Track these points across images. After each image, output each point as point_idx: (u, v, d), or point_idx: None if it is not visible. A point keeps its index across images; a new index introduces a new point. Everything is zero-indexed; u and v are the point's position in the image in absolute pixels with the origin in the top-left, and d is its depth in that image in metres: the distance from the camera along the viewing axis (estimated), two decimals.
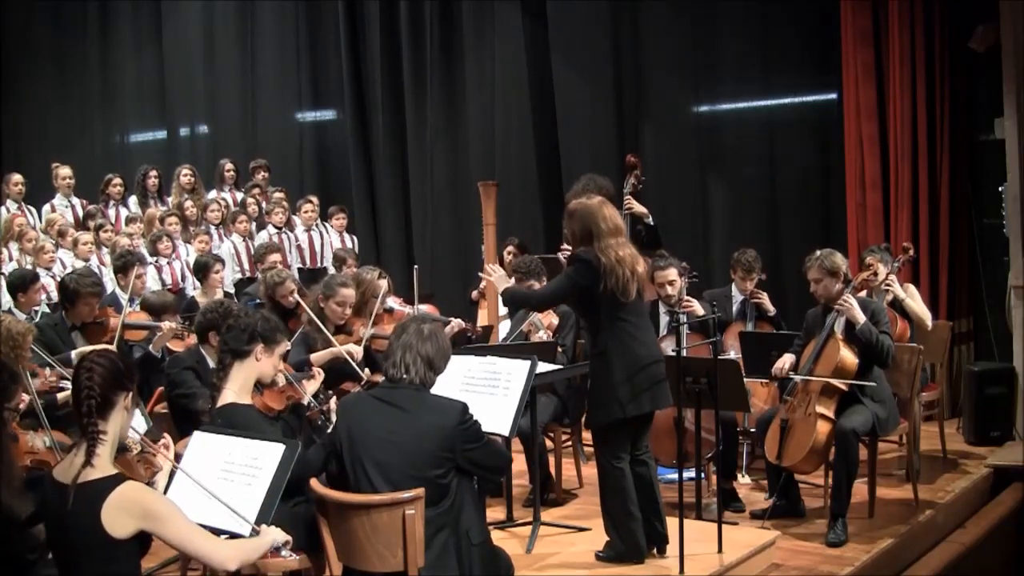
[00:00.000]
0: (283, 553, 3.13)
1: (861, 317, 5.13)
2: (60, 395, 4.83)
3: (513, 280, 5.68)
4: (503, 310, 7.71)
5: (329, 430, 3.98)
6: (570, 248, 5.10)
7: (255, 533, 3.20)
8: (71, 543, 2.91)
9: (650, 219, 6.43)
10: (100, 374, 2.96)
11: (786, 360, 5.38)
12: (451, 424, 3.51)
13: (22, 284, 6.31)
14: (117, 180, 9.47)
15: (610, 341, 4.43)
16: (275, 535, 3.13)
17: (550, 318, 6.03)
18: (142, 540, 2.92)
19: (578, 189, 6.07)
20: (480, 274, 5.29)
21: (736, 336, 6.05)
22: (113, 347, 5.59)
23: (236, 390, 3.90)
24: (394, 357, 3.64)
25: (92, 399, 2.94)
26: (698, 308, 6.01)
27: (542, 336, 5.92)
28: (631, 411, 4.41)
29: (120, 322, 5.89)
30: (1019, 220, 6.98)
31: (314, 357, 5.35)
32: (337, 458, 3.60)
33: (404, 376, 3.61)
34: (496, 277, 4.95)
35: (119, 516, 2.85)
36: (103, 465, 2.92)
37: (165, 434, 3.51)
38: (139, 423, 4.18)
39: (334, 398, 4.22)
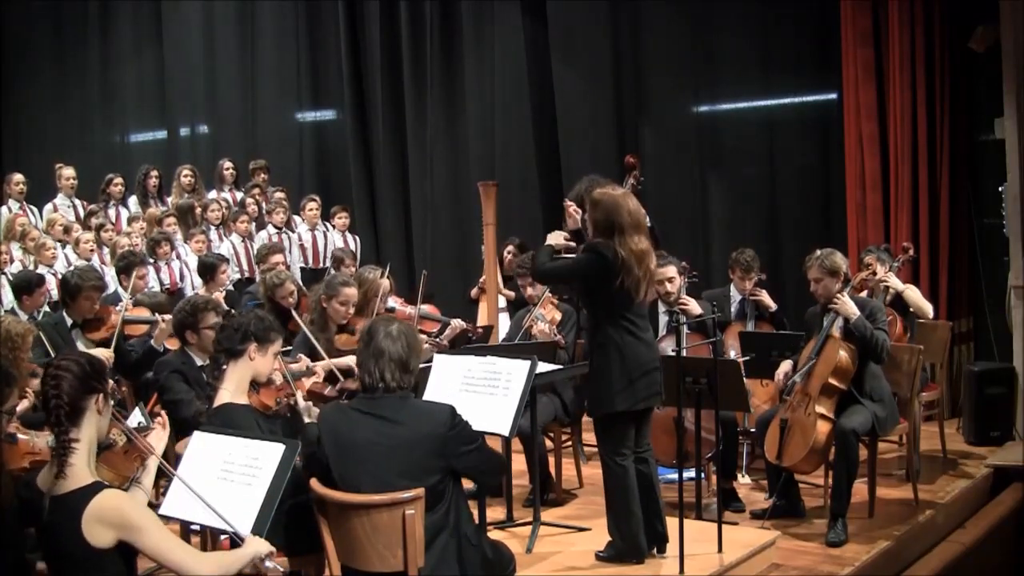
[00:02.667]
0: (267, 564, 3.05)
1: (854, 312, 5.14)
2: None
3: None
4: (502, 306, 7.72)
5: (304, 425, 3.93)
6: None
7: (256, 531, 3.17)
8: (55, 552, 2.88)
9: (648, 220, 6.41)
10: (67, 381, 2.91)
11: (781, 370, 5.43)
12: (442, 430, 3.45)
13: (27, 287, 6.32)
14: (118, 180, 9.49)
15: (612, 336, 4.43)
16: (257, 546, 3.04)
17: (554, 313, 6.02)
18: (126, 549, 2.87)
19: (581, 189, 6.06)
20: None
21: (736, 336, 6.05)
22: (111, 354, 5.61)
23: (232, 390, 3.89)
24: (367, 366, 3.54)
25: (61, 408, 2.88)
26: (694, 307, 6.00)
27: (544, 328, 5.89)
28: (621, 405, 4.40)
29: (120, 318, 5.90)
30: (1019, 220, 6.98)
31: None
32: (325, 472, 3.51)
33: (380, 384, 3.52)
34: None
35: (98, 527, 2.81)
36: (79, 474, 2.87)
37: (157, 420, 3.47)
38: (139, 421, 4.16)
39: (301, 396, 4.17)
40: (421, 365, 3.82)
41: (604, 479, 4.58)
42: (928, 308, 6.33)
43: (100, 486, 2.87)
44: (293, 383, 4.14)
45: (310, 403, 4.12)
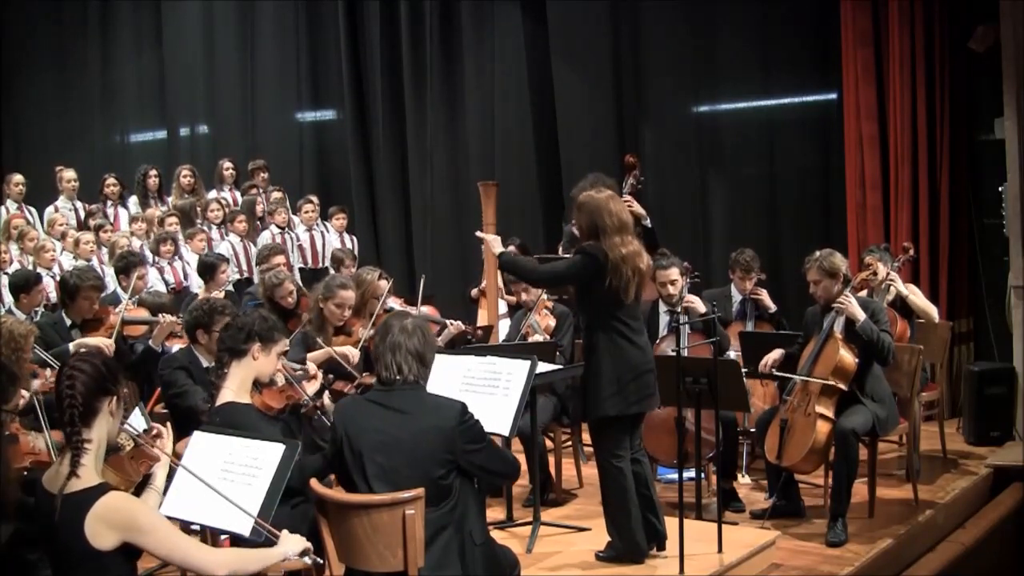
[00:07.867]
0: (306, 559, 3.04)
1: (861, 314, 5.13)
2: None
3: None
4: (503, 309, 7.71)
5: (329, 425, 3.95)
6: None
7: (256, 530, 3.16)
8: (59, 552, 2.88)
9: (648, 221, 6.42)
10: (82, 381, 2.89)
11: (772, 356, 5.39)
12: (450, 424, 3.48)
13: (25, 285, 6.32)
14: (111, 180, 9.48)
15: (603, 340, 4.44)
16: (291, 546, 3.02)
17: (548, 320, 6.04)
18: (129, 550, 2.85)
19: (585, 186, 6.06)
20: (477, 234, 5.28)
21: (736, 336, 6.05)
22: (111, 343, 5.62)
23: (235, 389, 3.91)
24: (384, 360, 3.59)
25: (74, 408, 2.87)
26: (700, 305, 6.00)
27: (539, 339, 5.94)
28: (612, 410, 4.42)
29: (119, 318, 5.90)
30: (1019, 220, 6.98)
31: (310, 357, 5.35)
32: (340, 461, 3.57)
33: (398, 377, 3.57)
34: (491, 239, 4.95)
35: (101, 528, 2.79)
36: (87, 475, 2.87)
37: (156, 425, 3.48)
38: (139, 422, 4.16)
39: (327, 394, 4.21)
40: None
41: (601, 481, 4.59)
42: (933, 310, 6.33)
43: (106, 487, 2.87)
44: (298, 385, 4.13)
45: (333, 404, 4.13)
